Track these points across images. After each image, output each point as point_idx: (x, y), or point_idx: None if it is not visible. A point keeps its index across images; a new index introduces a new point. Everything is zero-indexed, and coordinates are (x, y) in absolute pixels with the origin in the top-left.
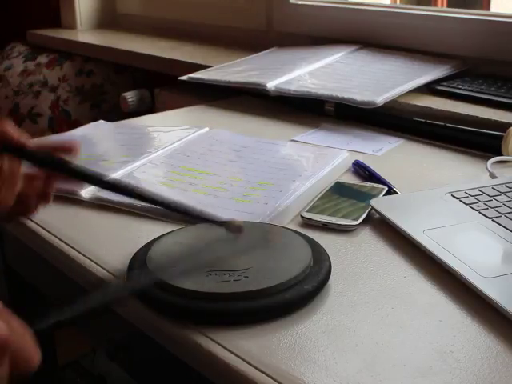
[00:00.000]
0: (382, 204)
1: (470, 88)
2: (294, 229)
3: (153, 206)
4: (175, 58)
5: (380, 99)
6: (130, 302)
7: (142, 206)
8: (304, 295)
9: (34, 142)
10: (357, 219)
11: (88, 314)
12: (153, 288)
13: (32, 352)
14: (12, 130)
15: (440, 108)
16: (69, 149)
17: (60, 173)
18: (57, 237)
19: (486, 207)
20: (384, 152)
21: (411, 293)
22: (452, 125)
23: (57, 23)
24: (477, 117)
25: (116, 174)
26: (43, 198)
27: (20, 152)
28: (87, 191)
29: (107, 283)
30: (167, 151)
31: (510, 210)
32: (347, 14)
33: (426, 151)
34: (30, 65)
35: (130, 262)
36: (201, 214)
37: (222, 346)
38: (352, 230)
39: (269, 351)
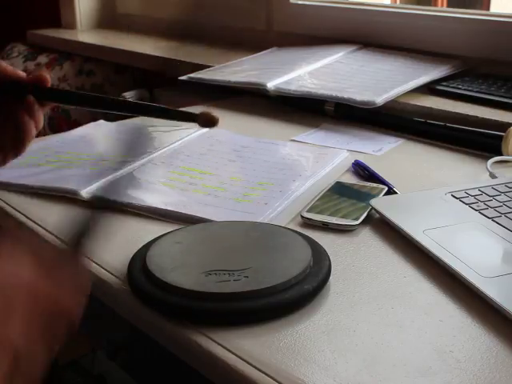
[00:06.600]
0: (381, 204)
1: (470, 88)
2: (294, 229)
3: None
4: (175, 57)
5: (380, 99)
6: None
7: (142, 206)
8: (304, 295)
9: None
10: (357, 219)
11: None
12: (153, 288)
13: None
14: (6, 66)
15: (440, 108)
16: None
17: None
18: (57, 237)
19: (486, 207)
20: (384, 152)
21: (411, 293)
22: (452, 125)
23: (57, 23)
24: (477, 117)
25: (116, 174)
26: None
27: (20, 86)
28: (87, 191)
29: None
30: (167, 151)
31: (509, 210)
32: (347, 14)
33: (425, 151)
34: (30, 65)
35: (130, 262)
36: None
37: (222, 346)
38: (352, 230)
39: (269, 351)
